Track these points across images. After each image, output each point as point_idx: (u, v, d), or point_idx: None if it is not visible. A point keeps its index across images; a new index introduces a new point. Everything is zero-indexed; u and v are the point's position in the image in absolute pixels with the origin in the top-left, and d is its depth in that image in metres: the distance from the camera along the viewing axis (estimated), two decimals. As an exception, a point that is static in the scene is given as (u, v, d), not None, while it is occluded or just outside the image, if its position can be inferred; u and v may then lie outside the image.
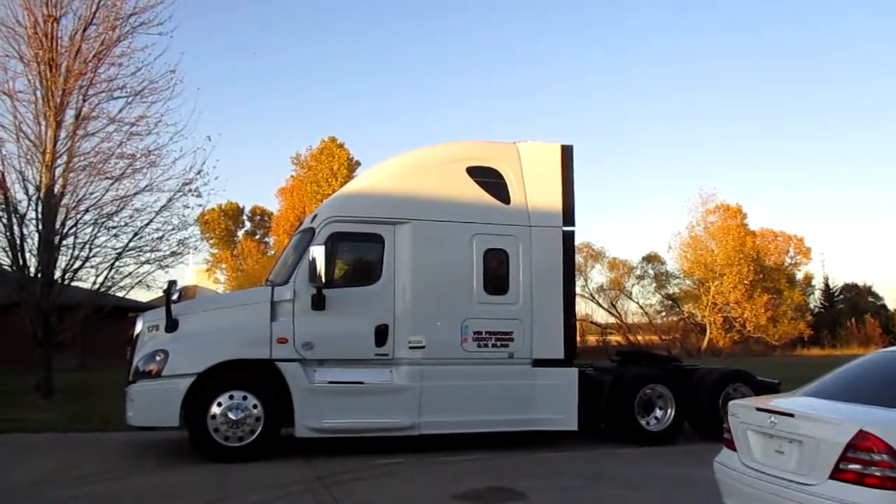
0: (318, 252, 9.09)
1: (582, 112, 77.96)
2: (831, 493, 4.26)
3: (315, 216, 10.17)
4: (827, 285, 54.72)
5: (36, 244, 15.75)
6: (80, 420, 12.39)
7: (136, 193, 16.50)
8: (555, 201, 10.31)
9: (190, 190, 16.63)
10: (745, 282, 45.36)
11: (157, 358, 8.86)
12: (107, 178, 16.21)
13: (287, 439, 9.26)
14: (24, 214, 15.68)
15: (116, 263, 16.55)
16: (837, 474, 4.27)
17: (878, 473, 4.10)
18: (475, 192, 10.06)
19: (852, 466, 4.21)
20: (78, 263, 16.17)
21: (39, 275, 15.73)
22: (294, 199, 49.16)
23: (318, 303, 9.16)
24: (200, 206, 17.64)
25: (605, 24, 78.37)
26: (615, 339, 45.63)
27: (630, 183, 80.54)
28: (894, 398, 4.66)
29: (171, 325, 9.18)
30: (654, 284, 51.09)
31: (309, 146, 50.38)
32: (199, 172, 16.50)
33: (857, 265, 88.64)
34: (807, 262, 53.17)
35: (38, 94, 15.74)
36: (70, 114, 16.05)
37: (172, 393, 8.70)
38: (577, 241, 11.06)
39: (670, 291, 51.08)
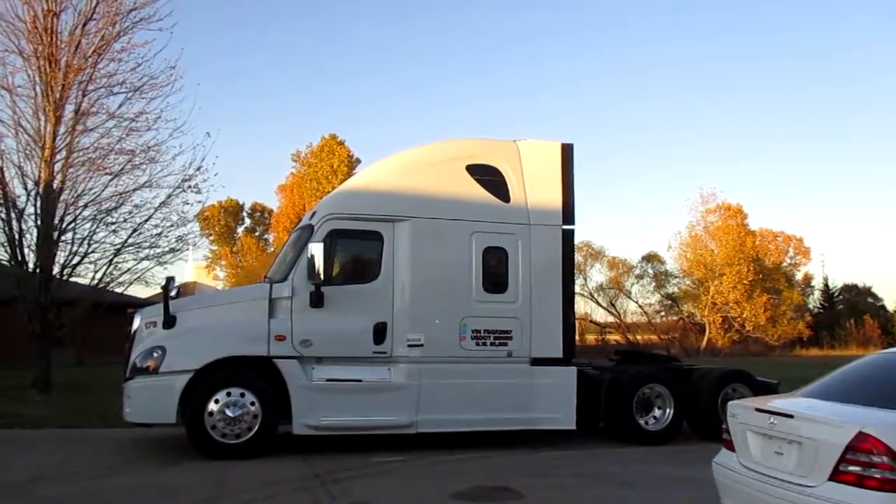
0: (316, 249, 9.06)
1: (583, 111, 77.99)
2: (830, 494, 4.24)
3: (314, 213, 10.13)
4: (826, 286, 54.80)
5: (34, 239, 15.70)
6: (77, 416, 12.38)
7: (135, 189, 16.44)
8: (554, 200, 10.28)
9: (189, 186, 16.57)
10: (745, 282, 45.30)
11: (155, 354, 8.84)
12: (106, 173, 16.16)
13: (284, 437, 9.22)
14: (23, 210, 15.63)
15: (115, 259, 16.51)
16: (837, 476, 4.25)
17: (877, 475, 4.07)
18: (475, 190, 10.03)
19: (852, 468, 4.18)
20: (76, 259, 16.13)
21: (38, 270, 15.69)
22: (294, 195, 49.12)
23: (317, 300, 9.13)
24: (200, 202, 17.54)
25: (607, 23, 78.39)
26: (614, 338, 45.60)
27: (630, 182, 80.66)
28: (894, 399, 4.64)
29: (169, 321, 9.16)
30: (653, 284, 51.09)
31: (309, 143, 50.45)
32: (198, 169, 16.45)
33: (857, 266, 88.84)
34: (806, 262, 53.20)
35: (38, 89, 15.69)
36: (69, 109, 15.99)
37: (170, 390, 8.68)
38: (577, 239, 11.05)
39: (670, 291, 51.07)
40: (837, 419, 4.54)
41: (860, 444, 4.16)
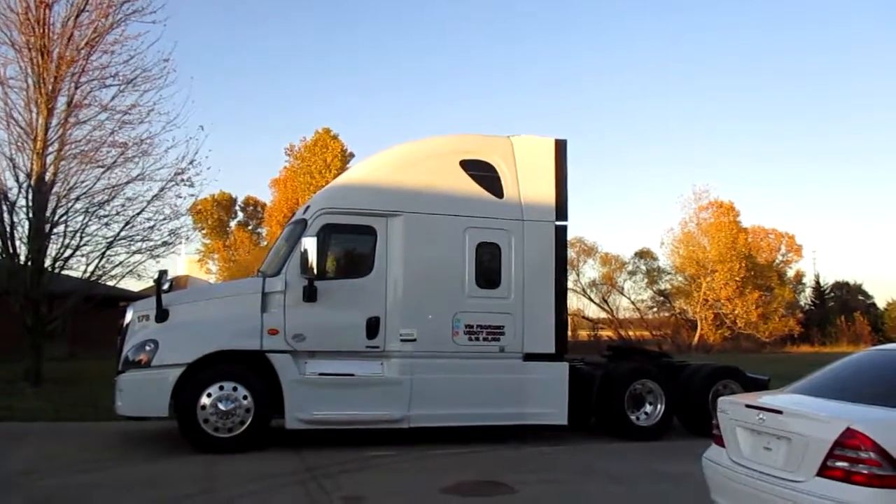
0: (309, 243, 9.06)
1: (576, 107, 77.93)
2: (818, 490, 4.28)
3: (307, 207, 10.13)
4: (817, 283, 54.95)
5: (26, 232, 15.67)
6: (69, 409, 12.35)
7: (127, 182, 16.43)
8: (548, 196, 10.30)
9: (182, 180, 16.58)
10: (737, 278, 45.42)
11: (147, 348, 8.83)
12: (98, 166, 16.13)
13: (277, 431, 9.24)
14: (15, 202, 15.60)
15: (107, 252, 16.48)
16: (825, 471, 4.29)
17: (864, 471, 4.12)
18: (468, 186, 10.05)
19: (840, 464, 4.23)
20: (68, 252, 16.10)
21: (29, 263, 15.65)
22: (287, 190, 48.91)
23: (310, 294, 9.14)
24: (193, 195, 17.56)
25: (601, 20, 78.33)
26: (606, 334, 45.66)
27: (623, 178, 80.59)
28: (882, 396, 4.69)
29: (162, 315, 9.15)
30: (645, 280, 51.10)
31: (303, 137, 50.11)
32: (191, 162, 16.46)
33: (848, 263, 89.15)
34: (798, 259, 53.36)
35: (30, 80, 15.65)
36: (62, 101, 15.97)
37: (162, 383, 8.68)
38: (570, 235, 11.09)
39: (662, 287, 51.11)
40: (826, 415, 4.58)
41: (848, 440, 4.20)
